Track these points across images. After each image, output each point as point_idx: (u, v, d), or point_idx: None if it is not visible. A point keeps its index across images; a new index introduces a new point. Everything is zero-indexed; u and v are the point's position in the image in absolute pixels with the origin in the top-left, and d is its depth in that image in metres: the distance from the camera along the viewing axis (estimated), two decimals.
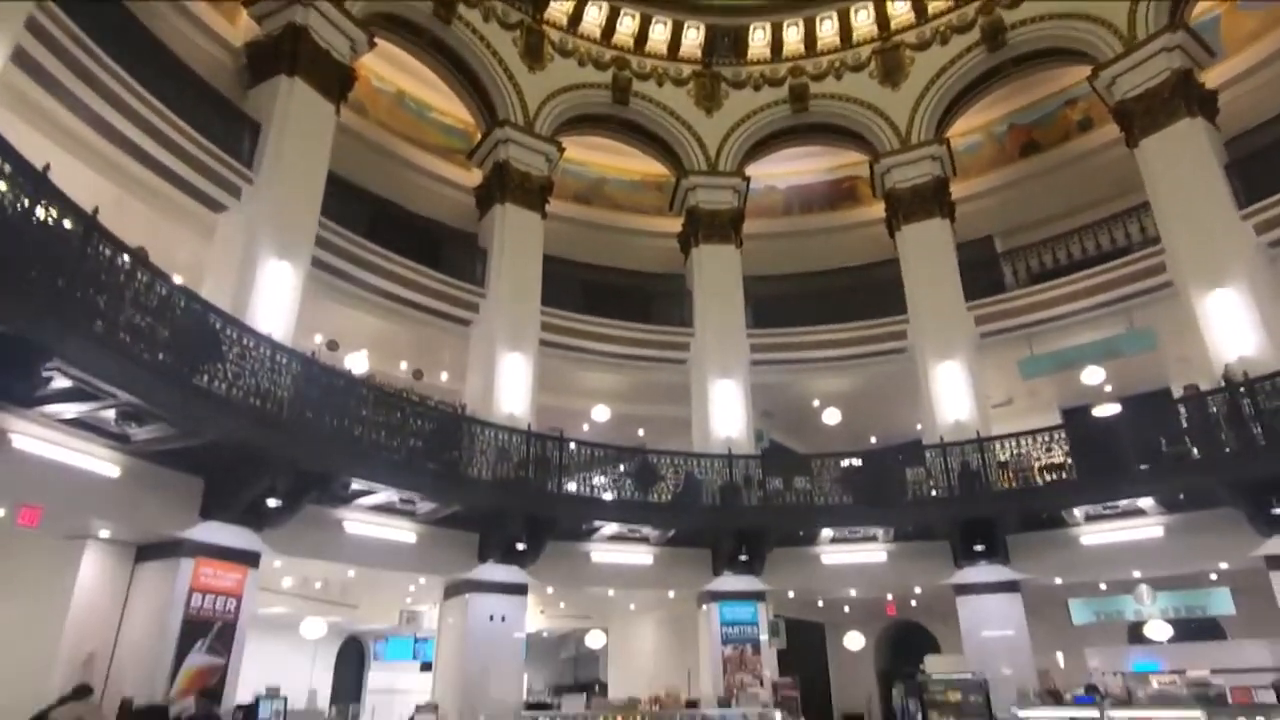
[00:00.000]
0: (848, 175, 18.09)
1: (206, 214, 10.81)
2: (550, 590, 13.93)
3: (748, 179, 16.93)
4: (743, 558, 13.60)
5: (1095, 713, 10.59)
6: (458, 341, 14.42)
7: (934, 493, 13.41)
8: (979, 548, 12.86)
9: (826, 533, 13.92)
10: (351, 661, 20.07)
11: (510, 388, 13.63)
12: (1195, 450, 11.46)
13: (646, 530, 13.48)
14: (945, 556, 13.49)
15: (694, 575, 14.02)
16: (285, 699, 9.19)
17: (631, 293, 16.70)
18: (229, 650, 9.68)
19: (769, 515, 13.65)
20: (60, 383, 6.91)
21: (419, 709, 12.57)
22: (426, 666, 20.51)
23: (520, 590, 12.84)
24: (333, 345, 11.67)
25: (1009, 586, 12.91)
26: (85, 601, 8.93)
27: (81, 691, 7.84)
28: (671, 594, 14.60)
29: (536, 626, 17.32)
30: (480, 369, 13.87)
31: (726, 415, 15.00)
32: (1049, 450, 12.79)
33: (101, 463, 8.23)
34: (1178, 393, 13.08)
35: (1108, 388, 14.42)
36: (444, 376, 15.16)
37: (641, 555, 13.81)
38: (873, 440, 17.73)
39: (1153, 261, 13.49)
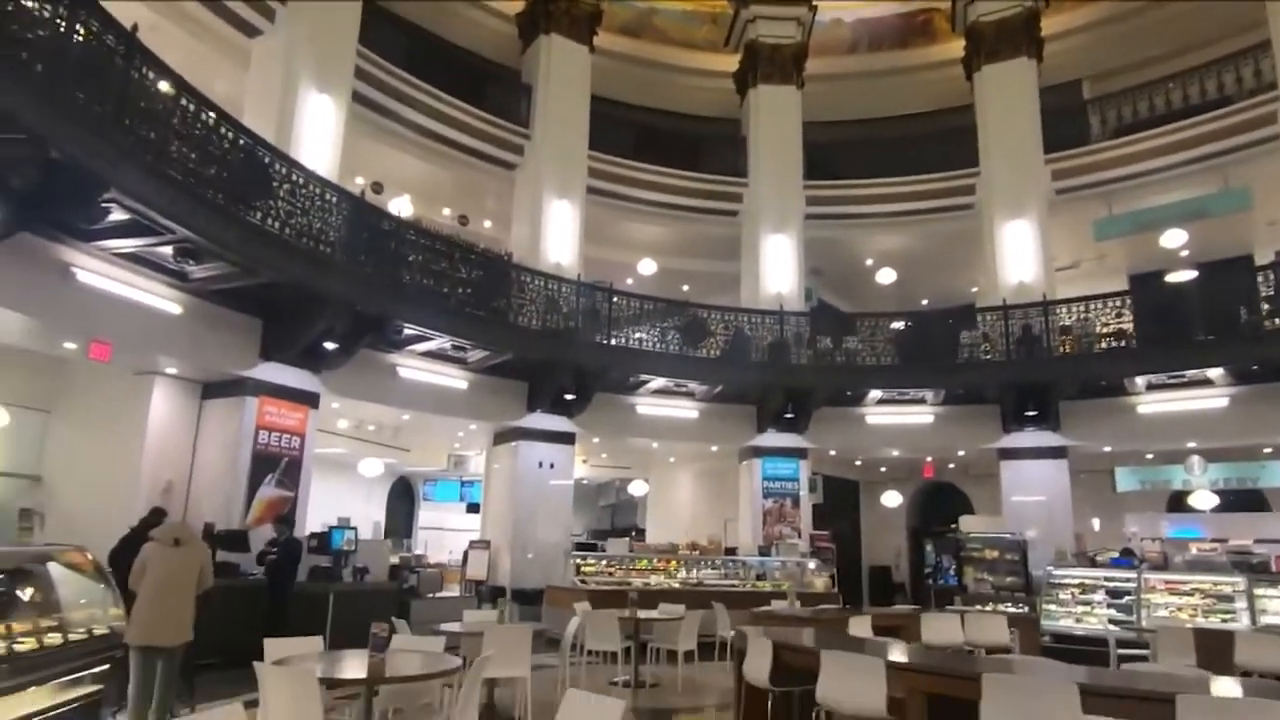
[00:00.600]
0: (924, 8, 16.31)
1: (242, 40, 10.10)
2: (595, 440, 14.25)
3: (814, 8, 15.39)
4: (788, 415, 13.66)
5: (1131, 574, 10.80)
6: (502, 186, 13.89)
7: (987, 356, 13.11)
8: (1030, 413, 12.71)
9: (874, 393, 13.83)
10: (402, 501, 21.26)
11: (557, 236, 13.25)
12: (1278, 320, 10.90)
13: (693, 385, 13.49)
14: (993, 421, 13.39)
15: (738, 431, 14.18)
16: (355, 529, 9.65)
17: (682, 138, 15.74)
18: (296, 485, 10.11)
19: (818, 374, 13.52)
20: (118, 216, 6.70)
21: (473, 544, 13.33)
22: (472, 508, 21.65)
23: (568, 439, 13.13)
24: (377, 187, 11.26)
25: (1057, 452, 12.86)
26: (158, 434, 9.25)
27: (157, 514, 8.24)
28: (714, 448, 14.88)
29: (578, 474, 17.88)
30: (526, 216, 13.43)
31: (778, 271, 14.56)
32: (1119, 315, 12.27)
33: (163, 300, 8.19)
34: (1264, 259, 12.29)
35: (1185, 253, 13.61)
36: (487, 224, 14.76)
37: (687, 410, 13.93)
38: (924, 303, 17.26)
39: (1260, 112, 12.25)
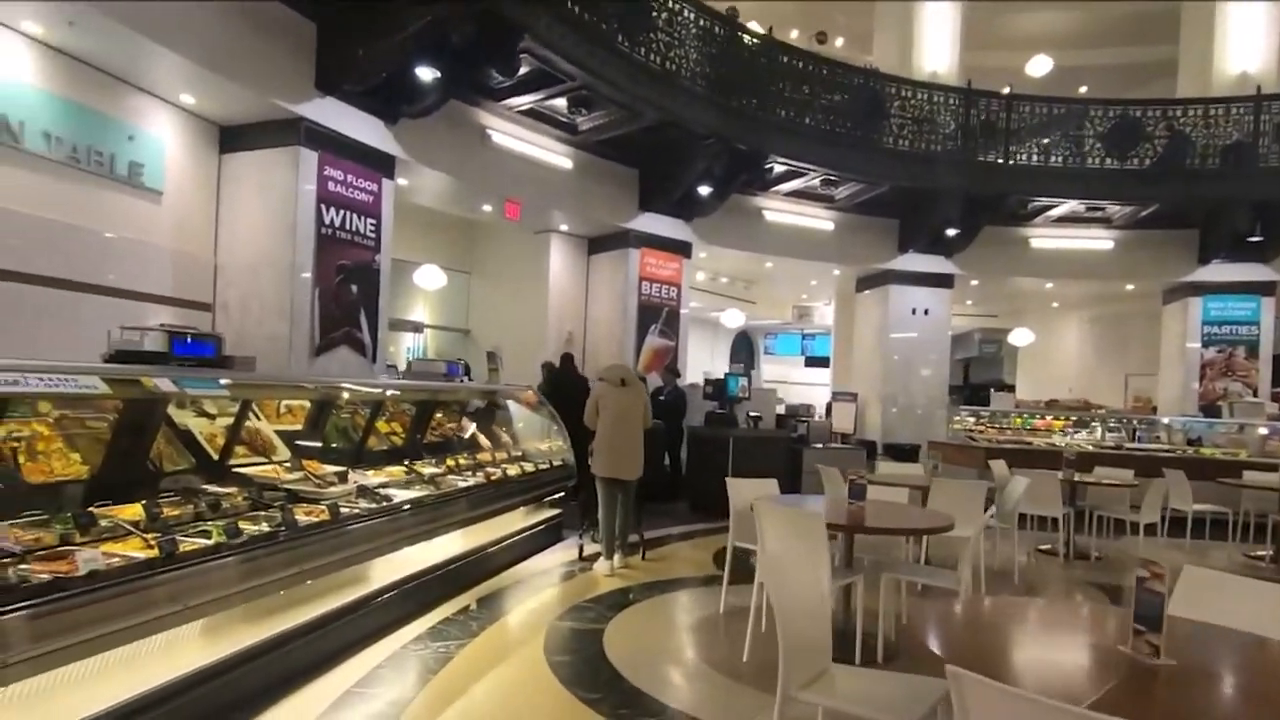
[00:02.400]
0: None
1: None
2: (974, 283, 12.50)
3: None
4: (1253, 239, 10.42)
5: None
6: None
7: None
8: None
9: None
10: (741, 355, 21.64)
11: (932, 40, 11.18)
12: None
13: (1112, 208, 10.88)
14: None
15: (1168, 263, 11.33)
16: (750, 376, 9.61)
17: None
18: (676, 334, 10.33)
19: None
20: (523, 69, 6.73)
21: (837, 396, 12.82)
22: (811, 361, 21.36)
23: (945, 282, 11.65)
24: (732, 11, 10.28)
25: None
26: (558, 289, 9.91)
27: (568, 359, 8.88)
28: (1129, 286, 12.17)
29: None
30: (893, 19, 11.50)
31: (1243, 42, 10.77)
32: None
33: (557, 156, 8.41)
34: None
35: None
36: (839, 43, 13.07)
37: (1098, 240, 11.40)
38: None
39: None
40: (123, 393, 3.14)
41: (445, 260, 9.75)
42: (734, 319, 13.82)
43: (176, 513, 3.20)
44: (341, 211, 6.48)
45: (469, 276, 10.73)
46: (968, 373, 20.59)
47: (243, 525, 3.23)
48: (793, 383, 19.93)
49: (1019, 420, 12.38)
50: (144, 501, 3.10)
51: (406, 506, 4.29)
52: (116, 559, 2.60)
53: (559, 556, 6.12)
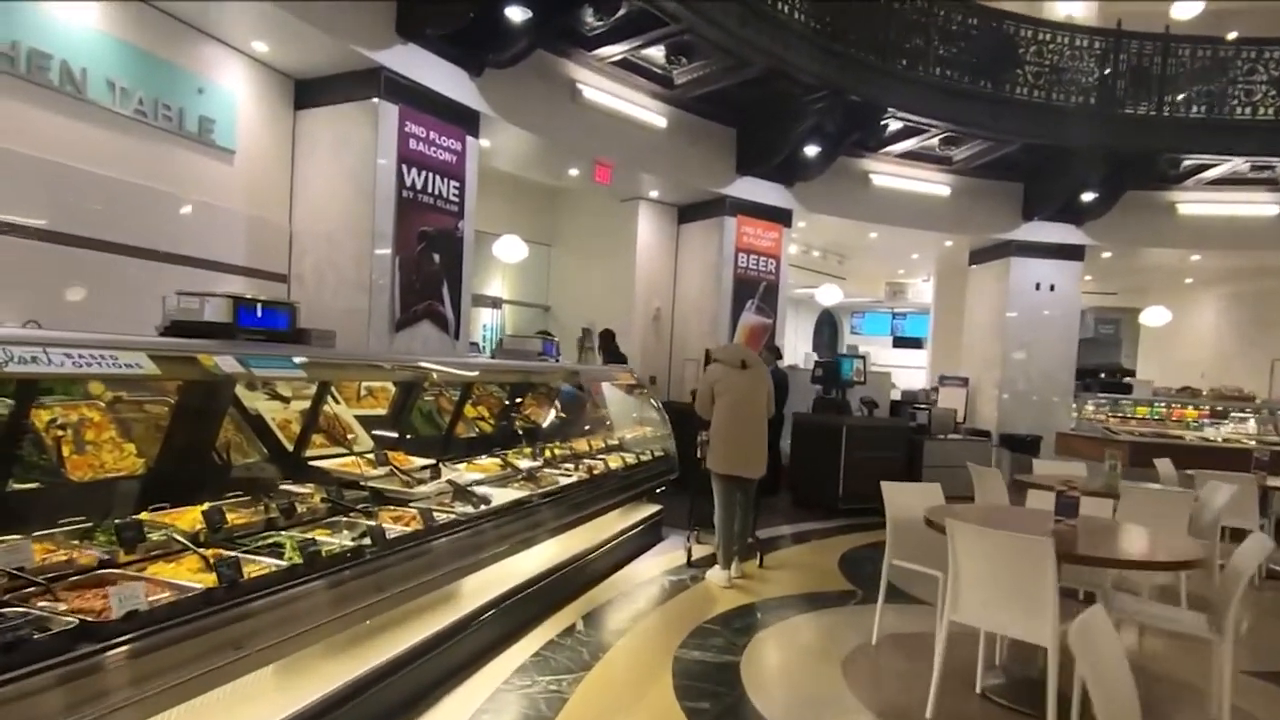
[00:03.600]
0: None
1: None
2: (1106, 255, 11.15)
3: None
4: None
5: None
6: None
7: None
8: None
9: None
10: (824, 334, 20.53)
11: None
12: None
13: None
14: None
15: None
16: (864, 356, 8.70)
17: None
18: (775, 311, 9.46)
19: None
20: (620, 10, 5.95)
21: (944, 380, 11.74)
22: (899, 341, 20.08)
23: (1075, 254, 10.42)
24: None
25: None
26: (645, 261, 9.15)
27: (608, 336, 8.09)
28: None
29: None
30: None
31: None
32: None
33: (651, 114, 7.60)
34: None
35: None
36: None
37: (1264, 204, 9.93)
38: None
39: None
40: (174, 372, 2.54)
41: (525, 231, 9.08)
42: (830, 295, 12.80)
43: (243, 520, 2.60)
44: (423, 172, 5.86)
45: (550, 249, 10.08)
46: (1081, 356, 18.86)
47: (321, 538, 2.61)
48: (879, 365, 18.73)
49: (1142, 410, 11.26)
50: (205, 507, 2.51)
51: (507, 508, 3.63)
52: (164, 593, 1.99)
53: (663, 561, 5.42)
